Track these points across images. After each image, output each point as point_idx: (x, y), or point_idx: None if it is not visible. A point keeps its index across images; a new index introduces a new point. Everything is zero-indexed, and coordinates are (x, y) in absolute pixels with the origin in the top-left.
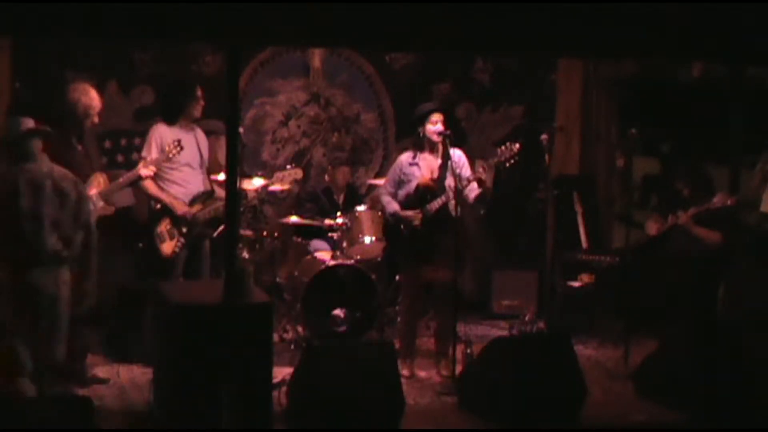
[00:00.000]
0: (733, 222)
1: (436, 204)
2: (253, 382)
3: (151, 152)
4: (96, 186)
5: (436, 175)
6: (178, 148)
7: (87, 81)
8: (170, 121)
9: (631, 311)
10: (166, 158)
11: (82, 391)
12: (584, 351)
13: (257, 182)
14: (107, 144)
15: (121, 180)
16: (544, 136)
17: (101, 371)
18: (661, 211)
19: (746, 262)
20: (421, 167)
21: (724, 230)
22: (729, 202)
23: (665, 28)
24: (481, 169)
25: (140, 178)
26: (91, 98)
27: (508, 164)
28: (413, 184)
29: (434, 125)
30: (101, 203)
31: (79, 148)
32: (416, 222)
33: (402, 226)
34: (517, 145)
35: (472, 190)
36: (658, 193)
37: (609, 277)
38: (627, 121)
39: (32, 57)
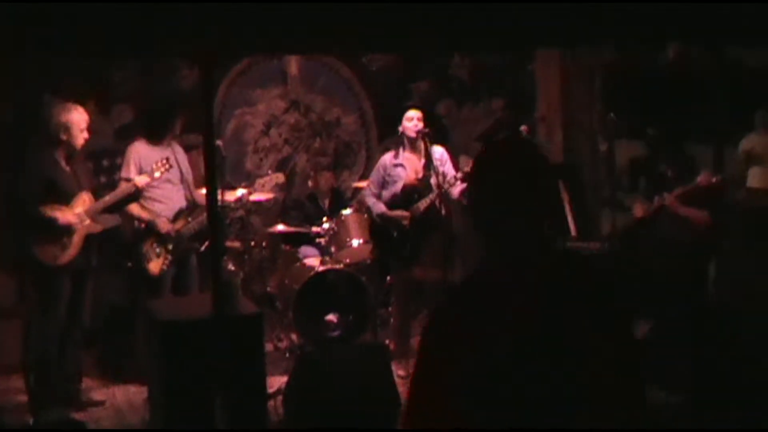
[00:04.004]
0: (721, 200)
1: (423, 204)
2: (248, 393)
3: (130, 171)
4: (81, 204)
5: (420, 174)
6: (167, 166)
7: (67, 101)
8: (155, 140)
9: (621, 295)
10: (153, 178)
11: (78, 415)
12: None
13: (240, 193)
14: (90, 165)
15: (108, 198)
16: (524, 127)
17: (97, 393)
18: (649, 194)
19: (735, 240)
20: (406, 167)
21: (711, 209)
22: (714, 181)
23: (641, 13)
24: (467, 169)
25: (134, 193)
26: (81, 116)
27: None
28: (399, 185)
29: (410, 122)
30: (87, 221)
31: (68, 168)
32: (405, 222)
33: (392, 227)
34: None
35: (458, 188)
36: (645, 176)
37: (598, 264)
38: (607, 108)
39: (10, 79)
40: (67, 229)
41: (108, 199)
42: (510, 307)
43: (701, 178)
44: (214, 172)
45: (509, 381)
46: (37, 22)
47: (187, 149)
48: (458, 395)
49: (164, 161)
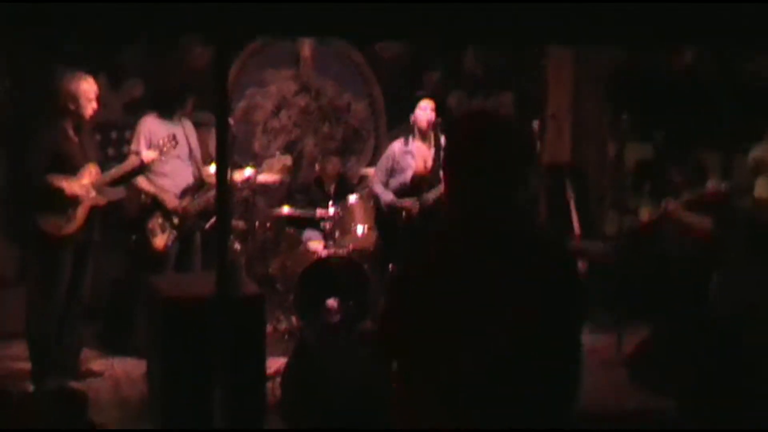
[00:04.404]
0: (726, 208)
1: (432, 195)
2: (246, 374)
3: (140, 145)
4: (87, 176)
5: (429, 164)
6: (174, 143)
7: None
8: (166, 116)
9: (624, 298)
10: (161, 153)
11: (76, 385)
12: None
13: (248, 172)
14: (97, 137)
15: (114, 171)
16: (535, 124)
17: (96, 365)
18: (655, 198)
19: (739, 249)
20: (416, 156)
21: (717, 216)
22: (722, 188)
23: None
24: None
25: (141, 168)
26: (90, 86)
27: None
28: (408, 174)
29: (423, 111)
30: (93, 193)
31: (76, 139)
32: (414, 211)
33: (398, 217)
34: None
35: None
36: (651, 179)
37: (602, 265)
38: (618, 109)
39: (21, 53)
40: (73, 201)
41: (114, 172)
42: (464, 255)
43: (709, 185)
44: (226, 151)
45: (458, 318)
46: None
47: (197, 126)
48: (419, 323)
49: (171, 137)
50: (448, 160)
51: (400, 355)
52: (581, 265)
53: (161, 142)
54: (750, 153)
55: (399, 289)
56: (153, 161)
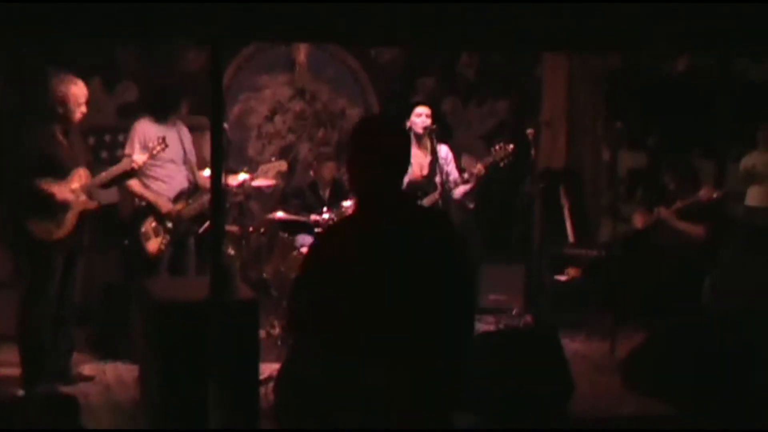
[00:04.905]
0: (719, 215)
1: (428, 201)
2: (240, 379)
3: (134, 148)
4: (77, 180)
5: (426, 171)
6: (163, 146)
7: (68, 75)
8: (160, 119)
9: (617, 304)
10: (151, 156)
11: (67, 390)
12: (571, 344)
13: (242, 177)
14: (91, 141)
15: (105, 174)
16: (530, 131)
17: (87, 369)
18: (648, 205)
19: (731, 255)
20: (412, 163)
21: (710, 223)
22: (715, 196)
23: (650, 21)
24: (479, 167)
25: (132, 171)
26: (80, 90)
27: (502, 164)
28: (404, 180)
29: (419, 117)
30: (83, 197)
31: (65, 143)
32: None
33: None
34: (512, 146)
35: (460, 188)
36: (644, 186)
37: (596, 271)
38: (613, 115)
39: (14, 55)
40: (63, 206)
41: (104, 175)
42: (366, 239)
43: (702, 192)
44: (220, 155)
45: (359, 294)
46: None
47: (192, 130)
48: (323, 300)
49: (161, 140)
50: (348, 159)
51: (304, 331)
52: (575, 271)
53: (151, 145)
54: (742, 161)
55: (306, 271)
56: (145, 165)
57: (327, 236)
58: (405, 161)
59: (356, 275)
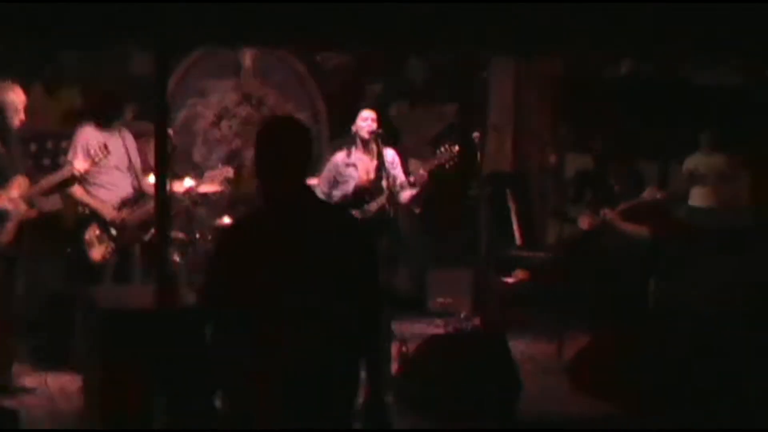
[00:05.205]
0: (663, 217)
1: (374, 206)
2: (190, 389)
3: (77, 155)
4: (17, 188)
5: (372, 176)
6: (105, 152)
7: (11, 81)
8: (104, 125)
9: (564, 306)
10: (93, 163)
11: (9, 402)
12: (518, 346)
13: (188, 183)
14: (33, 147)
15: (45, 182)
16: (476, 134)
17: (28, 380)
18: (594, 207)
19: (674, 256)
20: (358, 168)
21: (654, 224)
22: (659, 197)
23: (597, 24)
24: (421, 172)
25: (73, 178)
26: (18, 96)
27: (447, 166)
28: (351, 185)
29: (365, 122)
30: (23, 206)
31: (3, 150)
32: None
33: None
34: (457, 147)
35: (407, 192)
36: (591, 188)
37: (543, 273)
38: (559, 119)
39: None
40: (2, 215)
41: (44, 182)
42: (273, 223)
43: (646, 194)
44: (165, 161)
45: (268, 279)
46: None
47: (137, 136)
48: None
49: (102, 147)
50: (255, 158)
51: (223, 308)
52: (522, 273)
53: (93, 152)
54: (685, 162)
55: (217, 258)
56: (89, 172)
57: (237, 226)
58: (303, 157)
59: (266, 253)
